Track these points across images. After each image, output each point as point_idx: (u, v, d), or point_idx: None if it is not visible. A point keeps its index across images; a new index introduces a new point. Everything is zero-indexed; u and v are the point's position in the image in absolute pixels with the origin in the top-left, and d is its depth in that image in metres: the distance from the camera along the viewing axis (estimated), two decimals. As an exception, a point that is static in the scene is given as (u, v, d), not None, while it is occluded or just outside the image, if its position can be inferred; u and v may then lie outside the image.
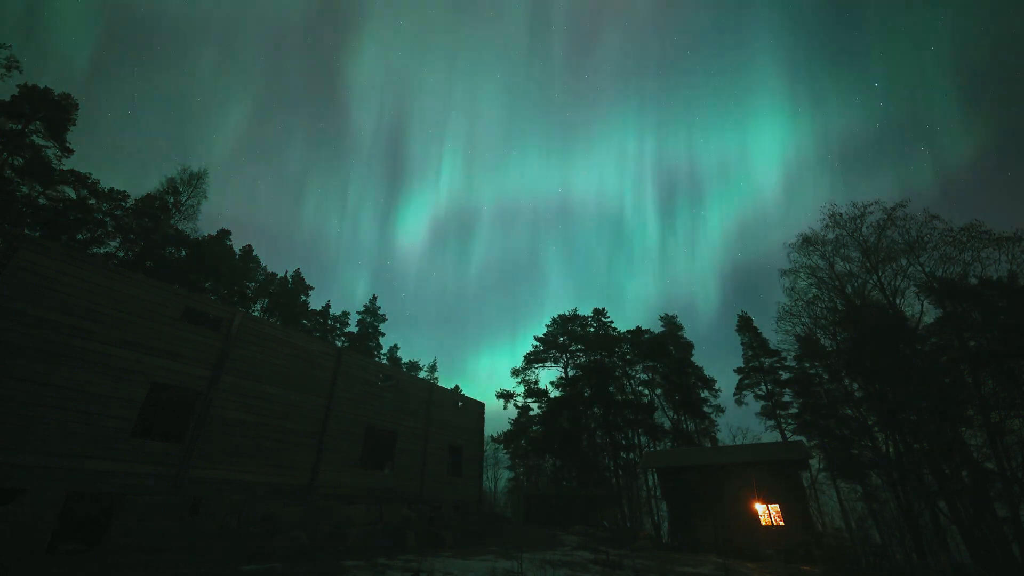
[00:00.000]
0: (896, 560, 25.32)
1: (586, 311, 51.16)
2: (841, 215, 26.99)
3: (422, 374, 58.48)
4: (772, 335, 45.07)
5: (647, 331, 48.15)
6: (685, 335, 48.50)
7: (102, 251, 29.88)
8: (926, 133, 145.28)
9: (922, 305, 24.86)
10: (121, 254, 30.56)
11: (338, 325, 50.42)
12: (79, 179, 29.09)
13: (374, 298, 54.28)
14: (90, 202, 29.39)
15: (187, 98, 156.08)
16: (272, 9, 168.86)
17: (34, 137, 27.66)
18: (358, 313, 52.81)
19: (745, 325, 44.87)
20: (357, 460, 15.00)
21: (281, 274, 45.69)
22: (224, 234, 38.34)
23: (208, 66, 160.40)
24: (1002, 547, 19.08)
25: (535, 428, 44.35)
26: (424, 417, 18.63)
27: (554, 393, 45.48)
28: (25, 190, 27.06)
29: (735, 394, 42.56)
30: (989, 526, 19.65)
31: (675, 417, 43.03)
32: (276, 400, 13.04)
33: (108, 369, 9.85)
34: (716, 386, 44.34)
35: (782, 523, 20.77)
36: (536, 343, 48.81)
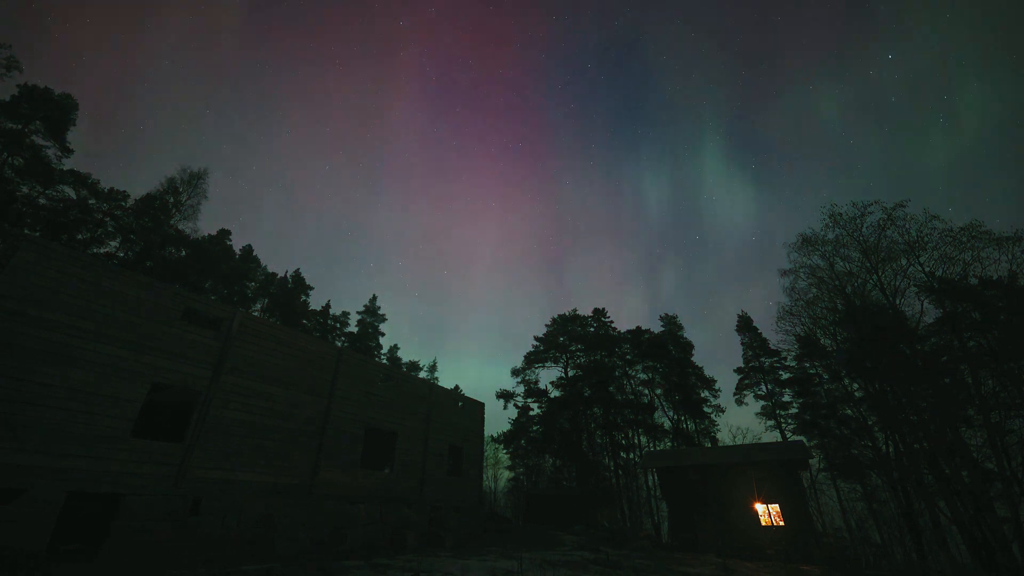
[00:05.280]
0: (896, 560, 25.32)
1: (585, 310, 51.22)
2: (841, 215, 26.97)
3: (422, 374, 58.46)
4: (772, 335, 45.17)
5: (647, 331, 48.19)
6: (685, 335, 48.57)
7: (102, 251, 29.88)
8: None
9: (922, 305, 24.85)
10: (121, 254, 30.56)
11: (338, 325, 50.42)
12: (79, 179, 29.10)
13: (374, 298, 54.28)
14: (90, 202, 29.41)
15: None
16: None
17: (34, 137, 27.68)
18: (358, 313, 52.84)
19: (745, 325, 44.92)
20: (357, 460, 14.98)
21: (281, 274, 45.76)
22: (224, 234, 38.38)
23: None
24: (1002, 547, 19.08)
25: (535, 428, 44.36)
26: (424, 417, 18.61)
27: (554, 393, 45.49)
28: (25, 190, 27.08)
29: (735, 394, 42.64)
30: (989, 526, 19.65)
31: (675, 417, 43.04)
32: (276, 400, 13.04)
33: (108, 369, 9.83)
34: (716, 386, 44.42)
35: (782, 523, 20.77)
36: (536, 343, 48.83)
